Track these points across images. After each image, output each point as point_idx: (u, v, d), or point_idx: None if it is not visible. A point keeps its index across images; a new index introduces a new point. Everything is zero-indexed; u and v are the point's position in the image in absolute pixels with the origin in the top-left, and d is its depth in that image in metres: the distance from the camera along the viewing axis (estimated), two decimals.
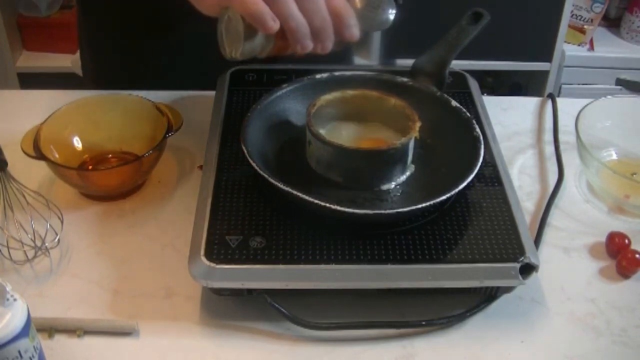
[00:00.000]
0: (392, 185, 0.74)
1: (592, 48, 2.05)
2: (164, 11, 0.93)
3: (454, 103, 0.79)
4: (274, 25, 0.63)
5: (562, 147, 0.89)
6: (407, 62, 0.85)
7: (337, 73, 0.83)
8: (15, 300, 0.55)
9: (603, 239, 0.76)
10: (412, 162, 0.76)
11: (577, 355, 0.65)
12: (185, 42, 0.96)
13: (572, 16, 1.97)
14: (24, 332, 0.55)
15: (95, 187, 0.80)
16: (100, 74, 1.05)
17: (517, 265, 0.65)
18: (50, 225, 0.73)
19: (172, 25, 0.95)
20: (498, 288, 0.67)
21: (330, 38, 0.66)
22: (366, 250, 0.65)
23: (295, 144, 0.77)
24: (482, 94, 0.89)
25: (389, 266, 0.64)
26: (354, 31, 0.67)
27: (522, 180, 0.85)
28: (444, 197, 0.66)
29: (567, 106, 0.95)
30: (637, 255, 0.72)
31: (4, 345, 0.54)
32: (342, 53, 1.07)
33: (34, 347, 0.57)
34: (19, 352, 0.55)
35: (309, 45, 0.66)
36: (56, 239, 0.73)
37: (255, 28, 0.64)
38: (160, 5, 0.92)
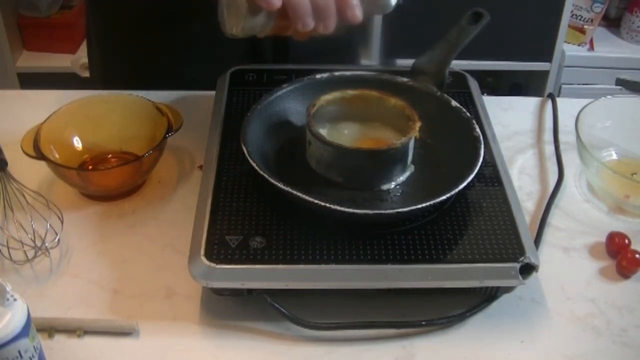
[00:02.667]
0: (392, 185, 0.74)
1: (592, 48, 2.05)
2: (173, 8, 0.93)
3: (454, 103, 0.79)
4: (276, 2, 0.62)
5: (562, 147, 0.89)
6: (407, 62, 0.85)
7: (337, 73, 0.83)
8: (15, 300, 0.55)
9: (603, 239, 0.76)
10: (412, 162, 0.76)
11: (577, 355, 0.65)
12: (193, 40, 0.96)
13: (572, 16, 1.97)
14: (24, 332, 0.55)
15: (95, 187, 0.80)
16: (109, 73, 1.05)
17: (517, 265, 0.65)
18: (50, 225, 0.73)
19: (181, 24, 0.95)
20: (498, 288, 0.67)
21: (333, 17, 0.65)
22: (366, 250, 0.65)
23: (295, 144, 0.77)
24: (482, 94, 0.89)
25: (389, 266, 0.64)
26: (357, 12, 0.66)
27: (522, 180, 0.85)
28: (444, 197, 0.66)
29: (567, 106, 0.95)
30: (637, 255, 0.72)
31: (4, 345, 0.54)
32: (345, 50, 1.07)
33: (34, 347, 0.57)
34: (19, 352, 0.55)
35: (310, 24, 0.65)
36: (56, 239, 0.73)
37: (257, 5, 0.63)
38: (170, 3, 0.92)
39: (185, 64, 0.98)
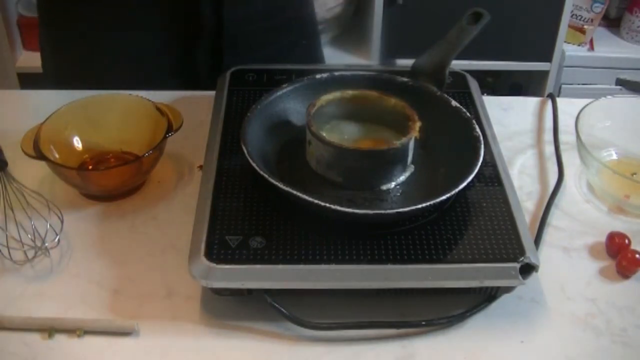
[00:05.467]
0: (392, 185, 0.74)
1: (592, 48, 2.05)
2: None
3: (454, 103, 0.79)
4: None
5: (562, 147, 0.89)
6: (407, 62, 0.85)
7: (337, 73, 0.83)
8: None
9: (603, 239, 0.76)
10: (412, 162, 0.76)
11: (577, 355, 0.65)
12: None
13: (572, 16, 1.97)
14: None
15: (95, 187, 0.80)
16: (61, 73, 1.05)
17: (517, 265, 0.65)
18: (50, 225, 0.73)
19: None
20: (498, 288, 0.67)
21: None
22: (366, 250, 0.65)
23: (295, 144, 0.77)
24: (482, 94, 0.89)
25: (389, 266, 0.64)
26: None
27: (522, 180, 0.85)
28: (444, 197, 0.66)
29: (567, 106, 0.95)
30: (637, 255, 0.72)
31: None
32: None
33: None
34: None
35: None
36: (56, 239, 0.73)
37: None
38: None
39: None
